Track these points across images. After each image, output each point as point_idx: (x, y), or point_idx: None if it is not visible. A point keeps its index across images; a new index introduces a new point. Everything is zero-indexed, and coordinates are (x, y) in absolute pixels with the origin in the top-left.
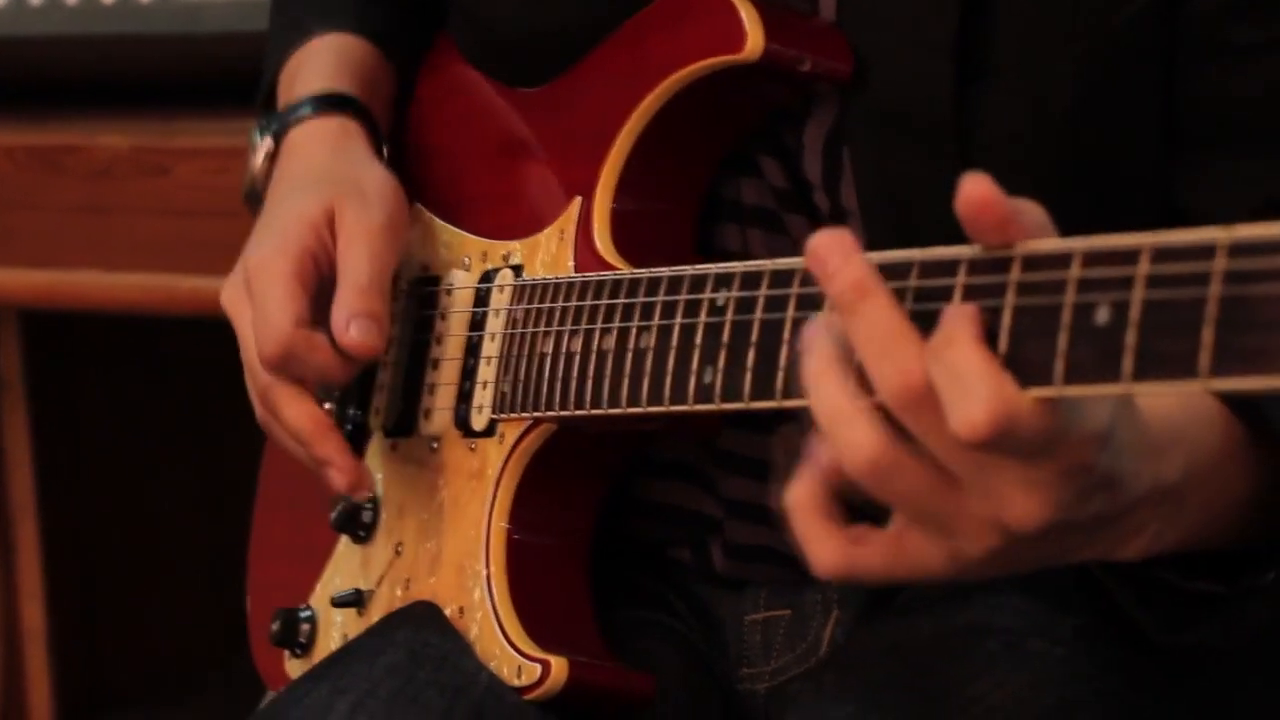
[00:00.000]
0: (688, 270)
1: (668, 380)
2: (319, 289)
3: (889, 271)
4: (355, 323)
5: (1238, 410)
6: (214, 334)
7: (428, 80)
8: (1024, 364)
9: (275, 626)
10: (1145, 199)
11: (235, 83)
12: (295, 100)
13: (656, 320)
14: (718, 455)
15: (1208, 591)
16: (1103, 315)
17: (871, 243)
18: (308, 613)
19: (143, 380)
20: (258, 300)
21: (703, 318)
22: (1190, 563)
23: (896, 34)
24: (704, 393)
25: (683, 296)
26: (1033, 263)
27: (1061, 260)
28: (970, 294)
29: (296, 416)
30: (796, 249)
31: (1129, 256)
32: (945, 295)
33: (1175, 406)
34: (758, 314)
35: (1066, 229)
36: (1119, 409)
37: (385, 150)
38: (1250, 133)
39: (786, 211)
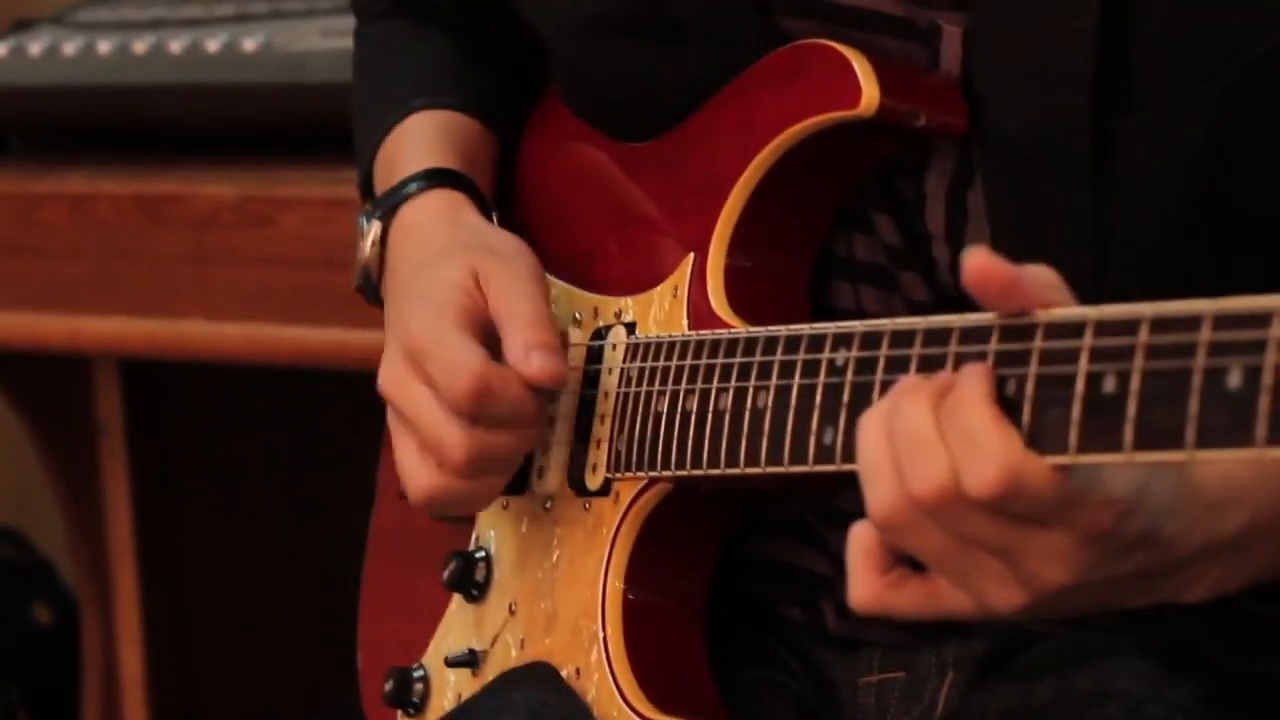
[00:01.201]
0: (805, 329)
1: (787, 440)
2: (482, 342)
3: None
4: (534, 353)
5: None
6: (312, 383)
7: (535, 135)
8: (1044, 432)
9: (389, 686)
10: (1276, 236)
11: (340, 132)
12: (399, 180)
13: (774, 380)
14: (828, 513)
15: None
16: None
17: None
18: (420, 672)
19: (240, 428)
20: (435, 354)
21: (822, 378)
22: (1268, 591)
23: (1033, 67)
24: (824, 453)
25: (801, 356)
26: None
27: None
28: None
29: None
30: (910, 307)
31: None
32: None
33: (1241, 464)
34: (879, 374)
35: (1196, 265)
36: (1151, 475)
37: (495, 218)
38: None
39: (900, 269)
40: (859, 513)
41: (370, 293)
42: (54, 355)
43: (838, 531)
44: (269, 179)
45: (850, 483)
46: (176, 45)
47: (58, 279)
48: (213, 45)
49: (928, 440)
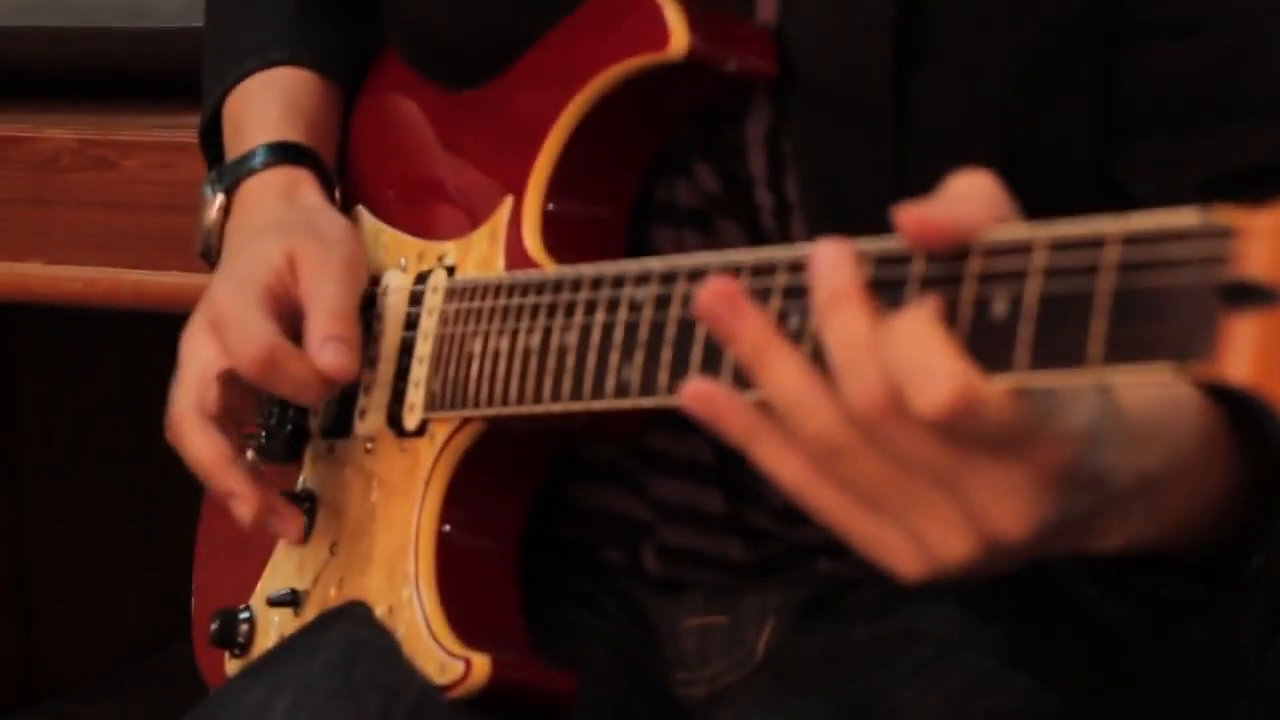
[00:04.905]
0: (609, 269)
1: (587, 377)
2: (285, 323)
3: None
4: (329, 345)
5: (1215, 395)
6: (152, 328)
7: (371, 84)
8: (987, 352)
9: (214, 627)
10: (1081, 184)
11: (181, 77)
12: (245, 152)
13: (578, 318)
14: (647, 457)
15: (1191, 596)
16: (999, 308)
17: (812, 233)
18: (246, 614)
19: (80, 373)
20: (233, 322)
21: (622, 315)
22: (1171, 568)
23: (837, 15)
24: (622, 388)
25: (603, 294)
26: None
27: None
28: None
29: (201, 448)
30: None
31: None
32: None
33: (1159, 396)
34: (674, 311)
35: None
36: (1101, 405)
37: (338, 194)
38: (1184, 113)
39: (719, 215)
40: (677, 456)
41: (212, 260)
42: None
43: (657, 477)
44: (110, 123)
45: (660, 422)
46: None
47: None
48: None
49: (866, 349)
